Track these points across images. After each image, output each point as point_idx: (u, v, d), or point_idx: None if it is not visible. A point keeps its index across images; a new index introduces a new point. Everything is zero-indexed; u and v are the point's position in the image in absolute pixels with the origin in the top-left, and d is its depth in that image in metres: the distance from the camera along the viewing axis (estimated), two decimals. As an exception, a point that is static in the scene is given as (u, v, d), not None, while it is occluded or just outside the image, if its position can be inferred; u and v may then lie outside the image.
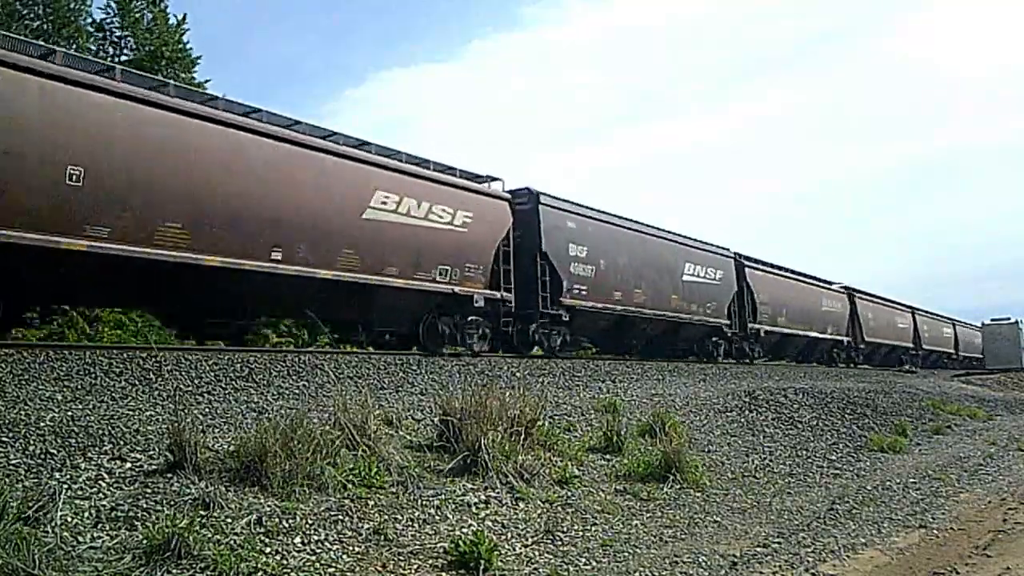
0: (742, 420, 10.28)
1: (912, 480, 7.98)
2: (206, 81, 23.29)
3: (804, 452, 9.16)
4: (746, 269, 20.96)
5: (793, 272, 24.78)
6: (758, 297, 21.34)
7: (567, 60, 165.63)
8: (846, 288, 29.14)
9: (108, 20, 22.54)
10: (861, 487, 7.53)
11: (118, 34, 22.71)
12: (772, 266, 23.21)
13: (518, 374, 11.39)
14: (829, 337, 26.39)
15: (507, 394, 6.81)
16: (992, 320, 42.50)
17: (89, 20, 22.48)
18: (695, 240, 19.88)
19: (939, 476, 8.24)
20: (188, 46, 23.29)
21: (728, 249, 21.00)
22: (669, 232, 18.87)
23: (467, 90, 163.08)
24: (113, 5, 22.43)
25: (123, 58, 21.63)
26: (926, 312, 39.34)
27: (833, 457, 9.18)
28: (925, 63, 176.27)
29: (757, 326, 21.71)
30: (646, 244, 17.72)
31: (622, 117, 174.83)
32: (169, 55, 22.29)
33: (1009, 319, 41.33)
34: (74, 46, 20.33)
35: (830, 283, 27.79)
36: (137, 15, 22.63)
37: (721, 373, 17.19)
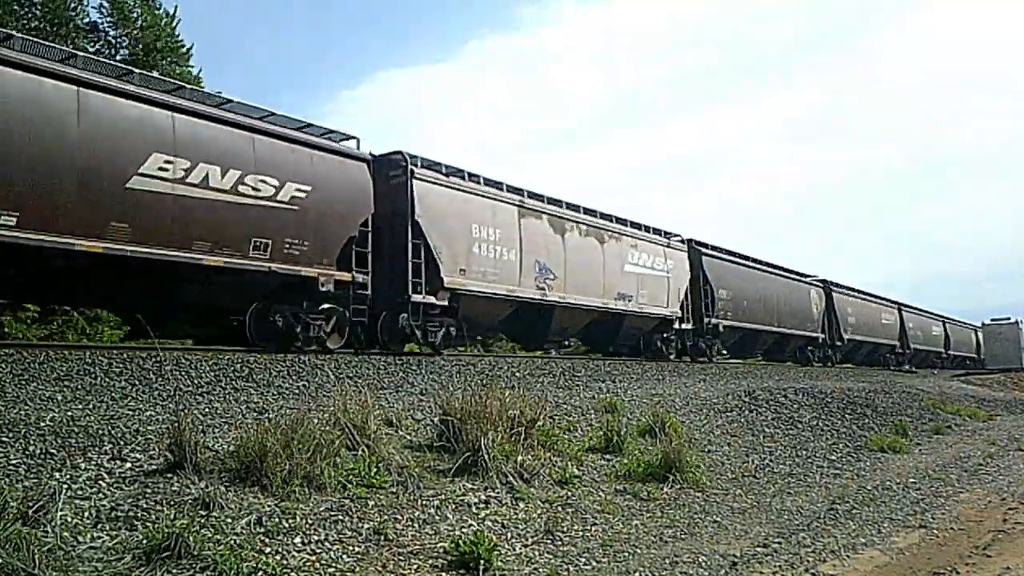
0: (742, 420, 10.27)
1: (912, 480, 7.98)
2: (200, 71, 23.42)
3: (804, 452, 9.16)
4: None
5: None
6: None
7: (565, 61, 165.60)
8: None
9: (102, 20, 22.55)
10: (861, 487, 7.53)
11: (112, 33, 22.71)
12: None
13: (518, 374, 11.40)
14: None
15: (507, 394, 6.81)
16: (992, 320, 42.44)
17: (86, 20, 22.48)
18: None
19: (939, 476, 8.24)
20: (180, 38, 23.27)
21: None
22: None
23: (464, 90, 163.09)
24: (106, 5, 22.42)
25: (119, 56, 21.62)
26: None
27: (833, 457, 9.18)
28: (922, 65, 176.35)
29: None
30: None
31: (619, 118, 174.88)
32: (162, 48, 22.30)
33: (1009, 319, 41.27)
34: (71, 45, 20.32)
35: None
36: (130, 14, 22.60)
37: (721, 373, 17.20)
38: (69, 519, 3.88)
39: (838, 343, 28.08)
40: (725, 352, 22.15)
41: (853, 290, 30.81)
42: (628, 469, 6.79)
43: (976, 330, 46.08)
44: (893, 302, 34.66)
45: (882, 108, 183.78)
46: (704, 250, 21.13)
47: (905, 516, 6.34)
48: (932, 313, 40.79)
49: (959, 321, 45.04)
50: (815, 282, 27.83)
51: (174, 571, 3.60)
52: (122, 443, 5.05)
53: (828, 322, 27.81)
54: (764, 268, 24.48)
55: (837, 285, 29.03)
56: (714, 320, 20.62)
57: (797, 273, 26.85)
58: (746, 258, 23.48)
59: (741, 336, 22.45)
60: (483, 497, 5.37)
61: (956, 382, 25.44)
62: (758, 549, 5.15)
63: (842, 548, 5.22)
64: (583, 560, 4.70)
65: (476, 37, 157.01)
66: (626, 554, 4.88)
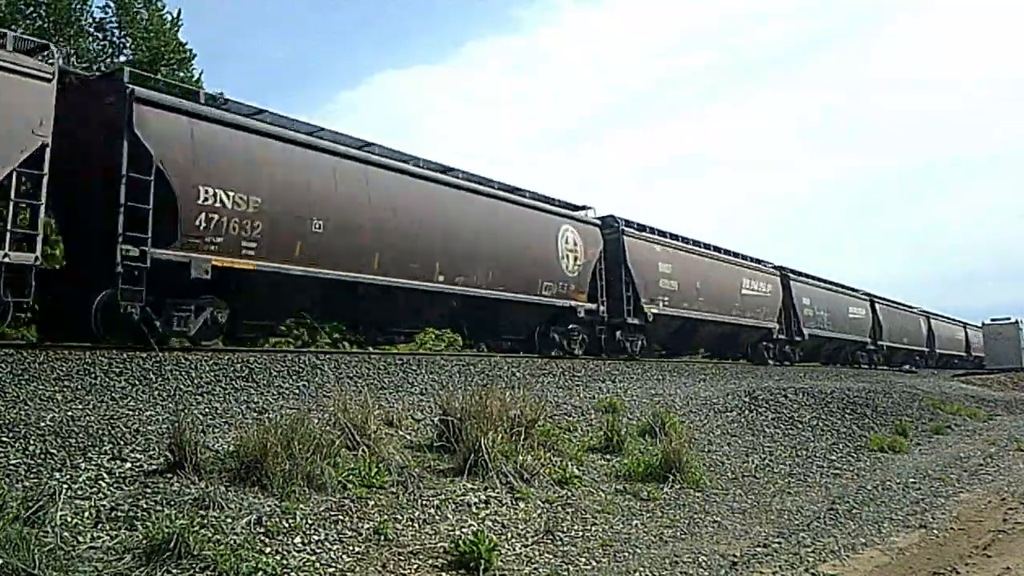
0: (742, 420, 10.27)
1: (912, 480, 7.98)
2: (201, 73, 23.47)
3: (804, 452, 9.16)
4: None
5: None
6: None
7: (562, 62, 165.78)
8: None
9: (108, 20, 22.56)
10: (861, 487, 7.53)
11: (117, 34, 22.72)
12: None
13: (518, 374, 11.39)
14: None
15: (507, 394, 6.81)
16: (992, 320, 42.40)
17: (90, 20, 22.49)
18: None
19: (939, 476, 8.24)
20: (185, 45, 23.31)
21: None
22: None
23: (465, 91, 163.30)
24: (112, 5, 22.45)
25: (122, 58, 21.63)
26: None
27: (833, 457, 9.17)
28: (918, 67, 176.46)
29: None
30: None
31: (617, 118, 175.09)
32: (166, 54, 22.32)
33: (1009, 319, 41.23)
34: (75, 46, 20.33)
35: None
36: (136, 15, 22.63)
37: (721, 373, 17.20)
38: (69, 519, 3.88)
39: (634, 320, 17.18)
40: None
41: (657, 232, 19.10)
42: (628, 469, 6.79)
43: (965, 326, 45.94)
44: (776, 268, 25.21)
45: (878, 109, 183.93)
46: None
47: (905, 516, 6.34)
48: (826, 281, 29.21)
49: (893, 301, 36.27)
50: (593, 220, 16.96)
51: (174, 571, 3.60)
52: (122, 443, 5.05)
53: (604, 283, 16.55)
54: (437, 177, 13.11)
55: (629, 223, 18.09)
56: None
57: (533, 194, 15.50)
58: (398, 157, 12.53)
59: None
60: (483, 497, 5.37)
61: (956, 382, 25.42)
62: (758, 549, 5.15)
63: (842, 548, 5.22)
64: (583, 560, 4.70)
65: (473, 39, 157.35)
66: (626, 554, 4.89)
